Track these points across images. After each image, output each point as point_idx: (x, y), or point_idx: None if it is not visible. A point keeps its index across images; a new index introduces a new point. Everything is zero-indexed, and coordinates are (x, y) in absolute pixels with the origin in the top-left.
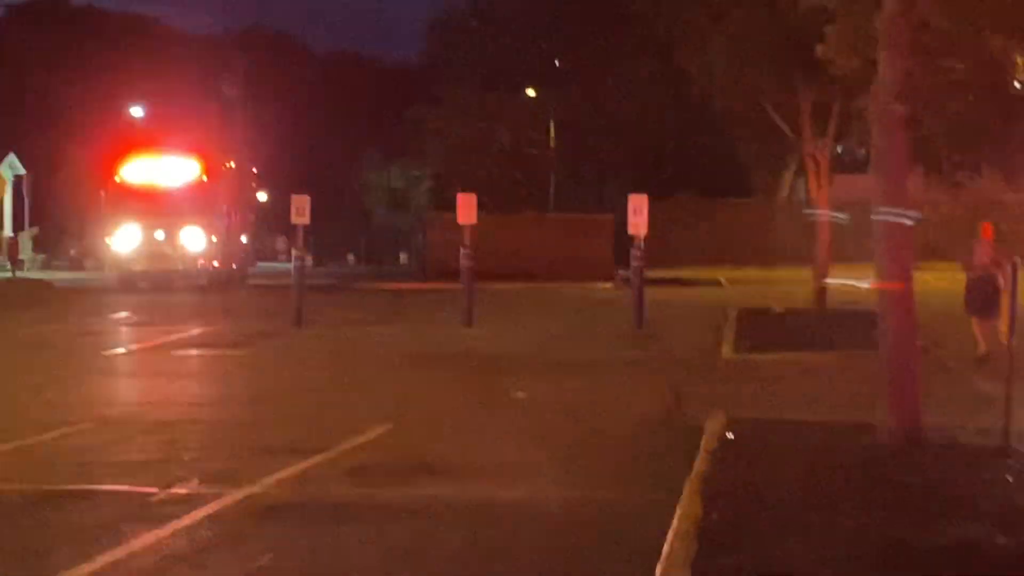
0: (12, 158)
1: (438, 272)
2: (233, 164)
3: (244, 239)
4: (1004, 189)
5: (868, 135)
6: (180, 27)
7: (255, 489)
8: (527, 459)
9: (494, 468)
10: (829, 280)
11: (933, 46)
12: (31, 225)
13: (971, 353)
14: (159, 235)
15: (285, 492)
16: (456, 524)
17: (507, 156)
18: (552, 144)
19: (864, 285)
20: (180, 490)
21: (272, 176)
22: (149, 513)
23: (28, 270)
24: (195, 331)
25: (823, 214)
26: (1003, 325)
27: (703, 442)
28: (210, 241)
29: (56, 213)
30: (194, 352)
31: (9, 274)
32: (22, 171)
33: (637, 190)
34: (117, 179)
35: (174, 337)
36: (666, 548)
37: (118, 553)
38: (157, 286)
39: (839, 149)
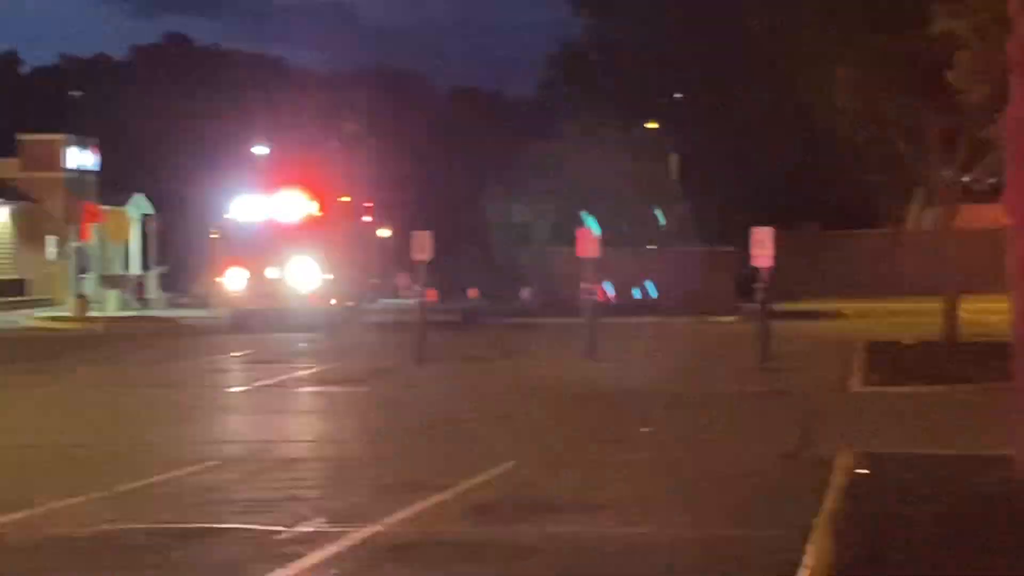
0: (140, 198)
1: (560, 307)
2: (348, 199)
3: (359, 275)
4: None
5: (998, 163)
6: (303, 66)
7: (379, 527)
8: (653, 495)
9: (619, 504)
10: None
11: None
12: (158, 264)
13: None
14: (272, 272)
15: (409, 531)
16: (580, 562)
17: (628, 190)
18: (672, 176)
19: None
20: (305, 528)
21: (394, 212)
22: (274, 552)
23: (155, 308)
24: (315, 368)
25: (948, 244)
26: None
27: (832, 478)
28: (324, 278)
29: (182, 252)
30: (316, 389)
31: (137, 312)
32: (149, 210)
33: (759, 222)
34: (228, 216)
35: (295, 374)
36: None
37: None
38: (270, 324)
39: (966, 178)
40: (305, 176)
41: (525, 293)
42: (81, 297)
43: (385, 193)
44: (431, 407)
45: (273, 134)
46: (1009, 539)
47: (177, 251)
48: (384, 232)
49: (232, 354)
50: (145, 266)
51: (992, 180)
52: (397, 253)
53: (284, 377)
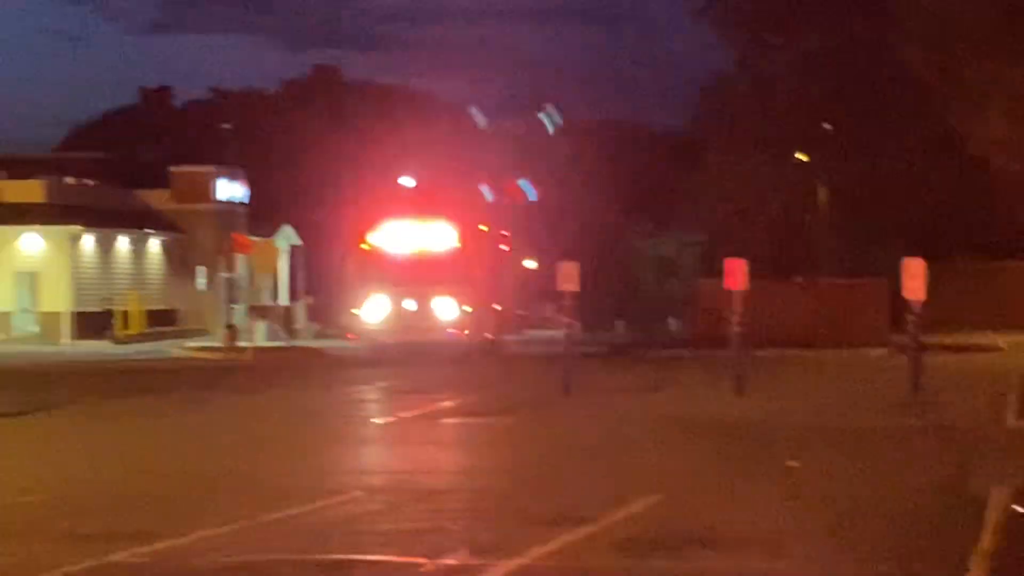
0: (288, 229)
1: (708, 339)
2: (486, 228)
3: (499, 306)
4: None
5: None
6: (451, 98)
7: (524, 560)
8: (801, 530)
9: (767, 540)
10: None
11: None
12: (306, 294)
13: None
14: (409, 304)
15: (554, 564)
16: None
17: (777, 221)
18: (823, 208)
19: None
20: (449, 561)
21: (541, 243)
22: None
23: (303, 338)
24: (459, 400)
25: None
26: None
27: (988, 515)
28: (463, 309)
29: (329, 283)
30: (460, 420)
31: (284, 342)
32: (297, 241)
33: (911, 253)
34: (365, 246)
35: (439, 405)
36: None
37: None
38: (408, 357)
39: None
40: (446, 208)
41: (673, 324)
42: (230, 327)
43: (531, 224)
44: (577, 438)
45: (417, 165)
46: None
47: (324, 282)
48: (530, 263)
49: (375, 385)
50: (293, 297)
51: None
52: (544, 284)
53: (427, 409)
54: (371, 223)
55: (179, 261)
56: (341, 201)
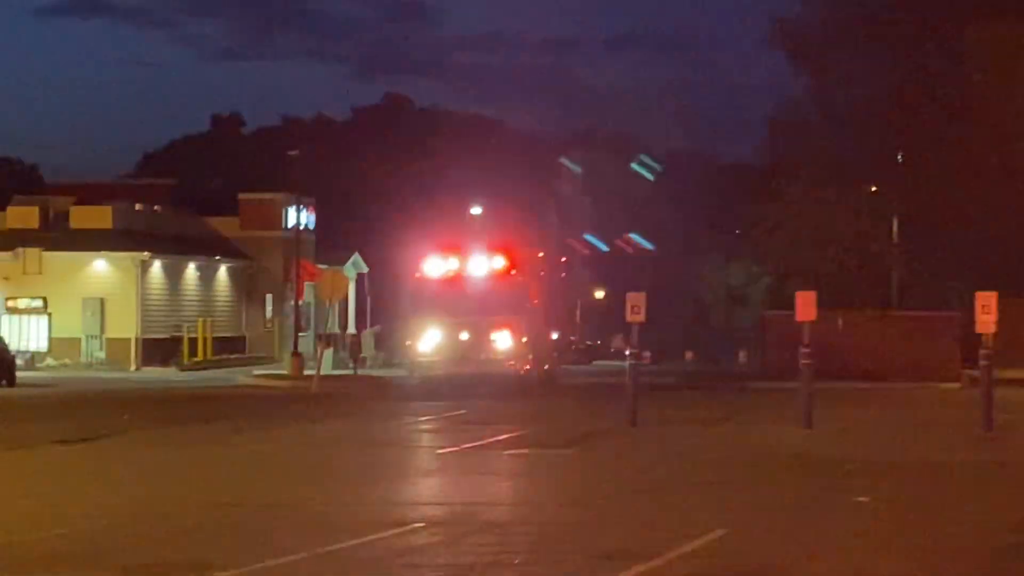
0: (357, 257)
1: (777, 371)
2: (542, 255)
3: (557, 337)
4: None
5: None
6: (520, 126)
7: None
8: (872, 567)
9: None
10: None
11: None
12: (373, 323)
13: None
14: (464, 335)
15: None
16: None
17: (848, 252)
18: (895, 239)
19: None
20: None
21: (611, 273)
22: None
23: (370, 367)
24: (523, 431)
25: None
26: None
27: None
28: (519, 340)
29: (395, 312)
30: (525, 451)
31: (352, 371)
32: (365, 269)
33: (985, 286)
34: (419, 275)
35: (503, 436)
36: None
37: None
38: (464, 388)
39: None
40: (505, 236)
41: (742, 356)
42: (297, 355)
43: (600, 254)
44: (641, 472)
45: (484, 193)
46: None
47: (391, 311)
48: (599, 293)
49: (440, 415)
50: (361, 325)
51: None
52: (612, 314)
53: (489, 440)
54: (427, 252)
55: (247, 288)
56: (409, 229)
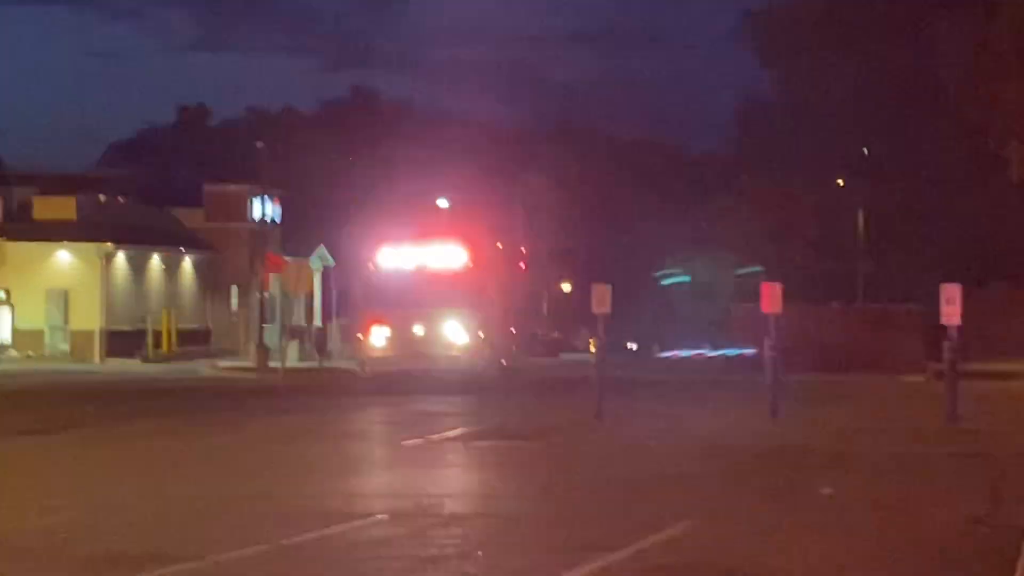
0: (322, 250)
1: (743, 363)
2: (502, 249)
3: (517, 330)
4: None
5: None
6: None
7: None
8: (836, 560)
9: (801, 570)
10: None
11: None
12: (339, 316)
13: None
14: (418, 329)
15: None
16: None
17: (813, 246)
18: (860, 234)
19: None
20: None
21: (575, 266)
22: None
23: (335, 359)
24: (488, 424)
25: None
26: None
27: None
28: (475, 334)
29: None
30: (490, 444)
31: (316, 363)
32: (331, 262)
33: (948, 279)
34: (372, 266)
35: (467, 429)
36: None
37: None
38: (418, 383)
39: None
40: (463, 229)
41: (707, 348)
42: (262, 348)
43: (566, 247)
44: (607, 464)
45: (449, 186)
46: None
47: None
48: (565, 286)
49: (403, 408)
50: (326, 318)
51: None
52: (577, 306)
53: (453, 432)
54: (379, 243)
55: (212, 280)
56: (375, 222)
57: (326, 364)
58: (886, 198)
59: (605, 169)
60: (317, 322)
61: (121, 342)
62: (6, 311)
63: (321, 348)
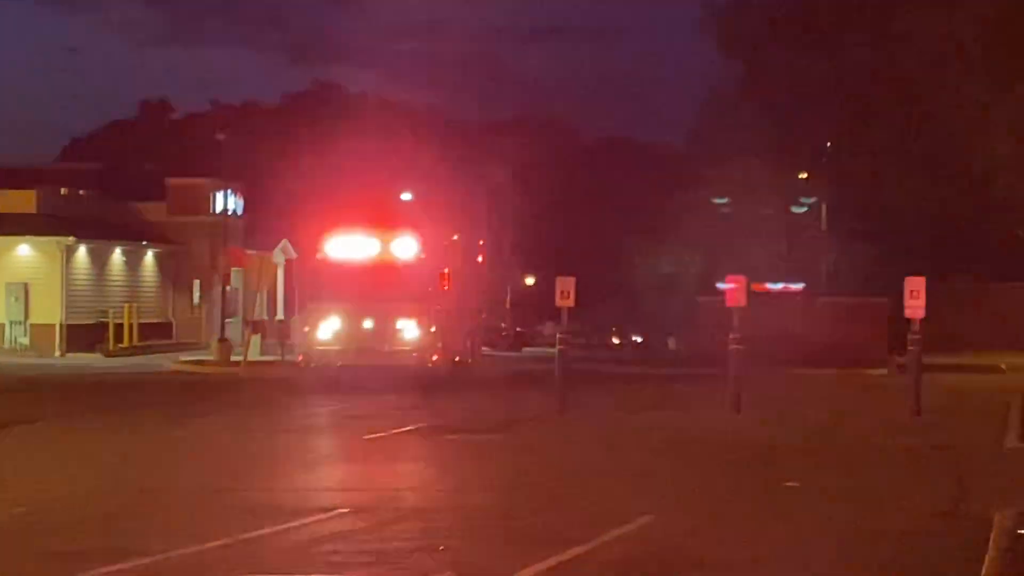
0: (285, 243)
1: (706, 356)
2: (458, 240)
3: (472, 326)
4: None
5: None
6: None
7: None
8: (800, 553)
9: (764, 563)
10: None
11: None
12: (301, 310)
13: None
14: (367, 322)
15: None
16: None
17: (777, 239)
18: (824, 226)
19: None
20: None
21: (539, 259)
22: None
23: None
24: (450, 418)
25: None
26: None
27: (993, 537)
28: (426, 329)
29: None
30: (452, 437)
31: (279, 357)
32: (294, 256)
33: (912, 271)
34: (319, 256)
35: (428, 423)
36: None
37: None
38: (362, 383)
39: None
40: (416, 219)
41: (672, 342)
42: (224, 341)
43: (530, 240)
44: (570, 457)
45: (409, 178)
46: None
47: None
48: (529, 279)
49: (365, 401)
50: (289, 311)
51: None
52: (542, 300)
53: (415, 426)
54: (324, 233)
55: (174, 274)
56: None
57: (288, 358)
58: (851, 191)
59: (567, 162)
60: (280, 316)
61: (82, 336)
62: None
63: (284, 342)
